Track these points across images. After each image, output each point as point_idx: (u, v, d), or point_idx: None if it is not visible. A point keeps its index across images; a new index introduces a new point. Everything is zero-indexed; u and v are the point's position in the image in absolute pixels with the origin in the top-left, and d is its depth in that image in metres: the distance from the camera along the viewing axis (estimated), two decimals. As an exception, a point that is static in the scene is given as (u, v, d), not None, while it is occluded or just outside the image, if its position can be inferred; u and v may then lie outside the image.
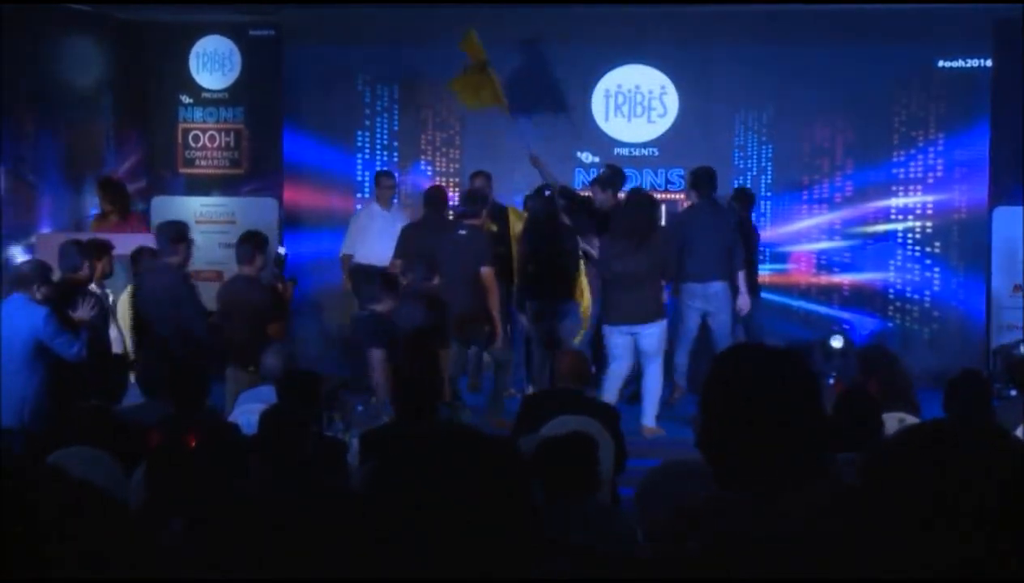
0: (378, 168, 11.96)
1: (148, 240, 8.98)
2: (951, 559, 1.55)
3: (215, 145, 11.71)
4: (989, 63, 11.20)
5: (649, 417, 8.72)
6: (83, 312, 7.26)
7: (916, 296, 11.66)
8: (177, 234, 8.09)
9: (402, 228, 9.76)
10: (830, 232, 11.71)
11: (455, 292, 8.61)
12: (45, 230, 10.32)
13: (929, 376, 9.78)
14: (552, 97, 11.85)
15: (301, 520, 2.60)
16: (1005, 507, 1.56)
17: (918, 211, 11.66)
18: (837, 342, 10.61)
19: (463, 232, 9.01)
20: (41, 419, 6.82)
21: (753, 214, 10.64)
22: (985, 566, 1.54)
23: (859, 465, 1.72)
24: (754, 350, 2.43)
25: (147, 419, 5.81)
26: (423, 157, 12.10)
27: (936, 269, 11.62)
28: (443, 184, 11.80)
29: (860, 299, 11.70)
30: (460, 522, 1.61)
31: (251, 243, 8.17)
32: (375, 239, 10.25)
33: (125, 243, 8.98)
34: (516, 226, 9.60)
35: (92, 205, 10.88)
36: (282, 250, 9.48)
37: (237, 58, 11.63)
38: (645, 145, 11.90)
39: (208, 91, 11.68)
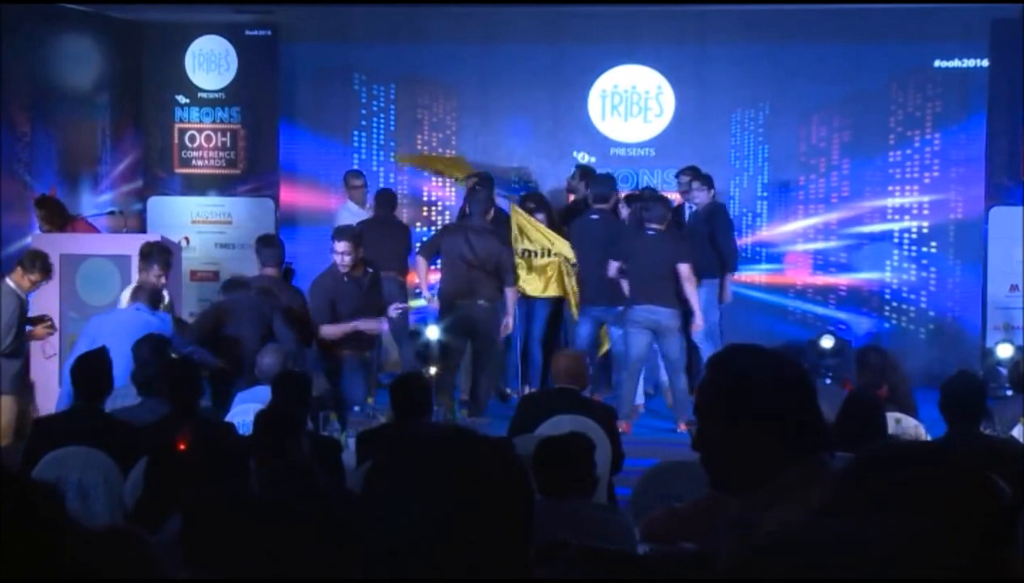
0: (375, 167, 11.99)
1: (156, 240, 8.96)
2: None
3: (211, 145, 11.70)
4: (985, 63, 11.19)
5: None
6: None
7: (912, 296, 11.67)
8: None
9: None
10: (826, 232, 11.71)
11: (591, 274, 9.09)
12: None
13: (925, 376, 9.80)
14: (548, 97, 11.87)
15: (296, 520, 2.60)
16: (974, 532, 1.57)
17: (914, 211, 11.66)
18: (827, 342, 10.64)
19: (595, 217, 9.35)
20: None
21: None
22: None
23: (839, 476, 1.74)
24: (748, 351, 2.43)
25: (143, 419, 5.81)
26: (419, 156, 12.11)
27: (932, 269, 11.63)
28: (439, 184, 11.88)
29: (856, 299, 11.70)
30: (457, 523, 1.61)
31: (278, 248, 8.48)
32: None
33: (123, 244, 8.97)
34: (522, 224, 9.61)
35: (90, 205, 10.87)
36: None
37: (233, 58, 11.62)
38: (642, 145, 11.91)
39: (204, 91, 11.67)
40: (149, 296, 7.68)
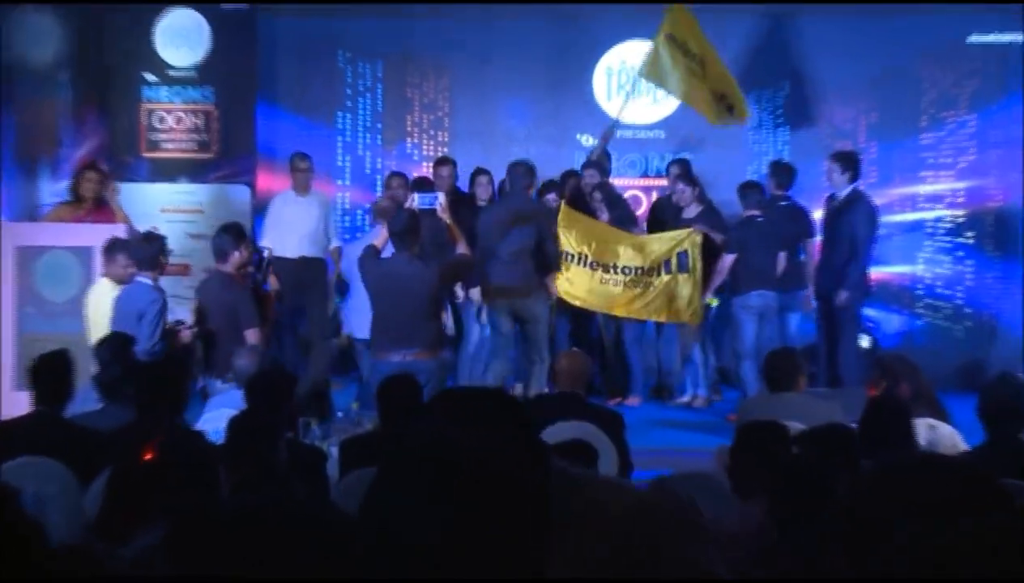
0: (360, 151, 11.99)
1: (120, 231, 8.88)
2: None
3: (182, 127, 11.68)
4: (1023, 38, 11.20)
5: None
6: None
7: (947, 291, 11.67)
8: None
9: None
10: (852, 221, 11.69)
11: (765, 266, 9.64)
12: (-3, 219, 10.27)
13: (962, 378, 9.79)
14: (549, 75, 11.85)
15: (275, 535, 2.57)
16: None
17: (948, 198, 11.67)
18: (864, 342, 10.63)
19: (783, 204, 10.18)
20: None
21: None
22: None
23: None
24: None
25: (105, 426, 5.77)
26: (409, 139, 12.11)
27: (969, 261, 11.63)
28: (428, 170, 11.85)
29: (886, 295, 11.69)
30: (469, 527, 1.61)
31: (229, 236, 8.18)
32: (289, 228, 10.20)
33: (84, 235, 8.92)
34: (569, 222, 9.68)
35: (49, 193, 10.82)
36: (267, 251, 9.20)
37: (207, 33, 11.59)
38: (650, 127, 11.90)
39: (175, 68, 11.64)
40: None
